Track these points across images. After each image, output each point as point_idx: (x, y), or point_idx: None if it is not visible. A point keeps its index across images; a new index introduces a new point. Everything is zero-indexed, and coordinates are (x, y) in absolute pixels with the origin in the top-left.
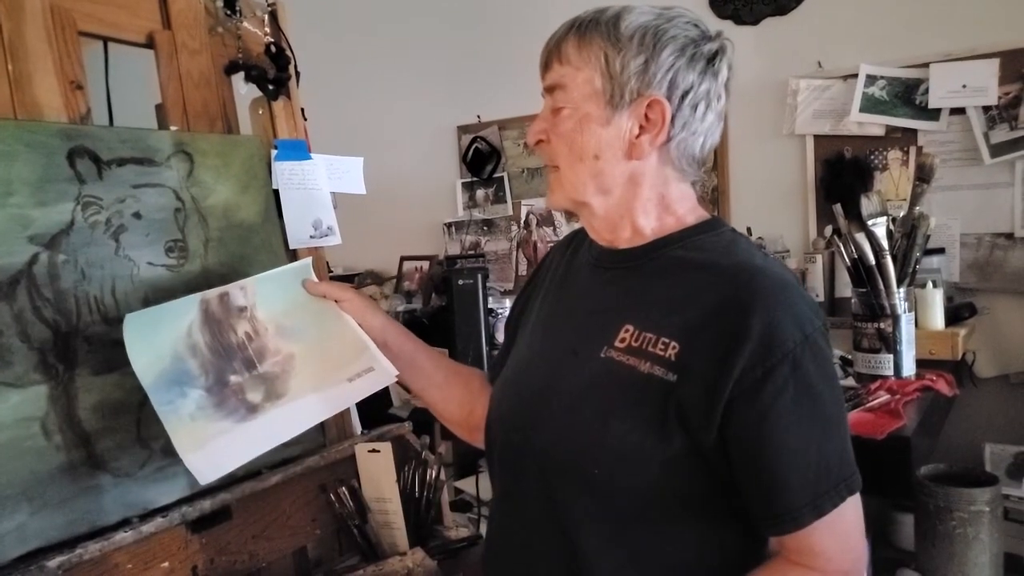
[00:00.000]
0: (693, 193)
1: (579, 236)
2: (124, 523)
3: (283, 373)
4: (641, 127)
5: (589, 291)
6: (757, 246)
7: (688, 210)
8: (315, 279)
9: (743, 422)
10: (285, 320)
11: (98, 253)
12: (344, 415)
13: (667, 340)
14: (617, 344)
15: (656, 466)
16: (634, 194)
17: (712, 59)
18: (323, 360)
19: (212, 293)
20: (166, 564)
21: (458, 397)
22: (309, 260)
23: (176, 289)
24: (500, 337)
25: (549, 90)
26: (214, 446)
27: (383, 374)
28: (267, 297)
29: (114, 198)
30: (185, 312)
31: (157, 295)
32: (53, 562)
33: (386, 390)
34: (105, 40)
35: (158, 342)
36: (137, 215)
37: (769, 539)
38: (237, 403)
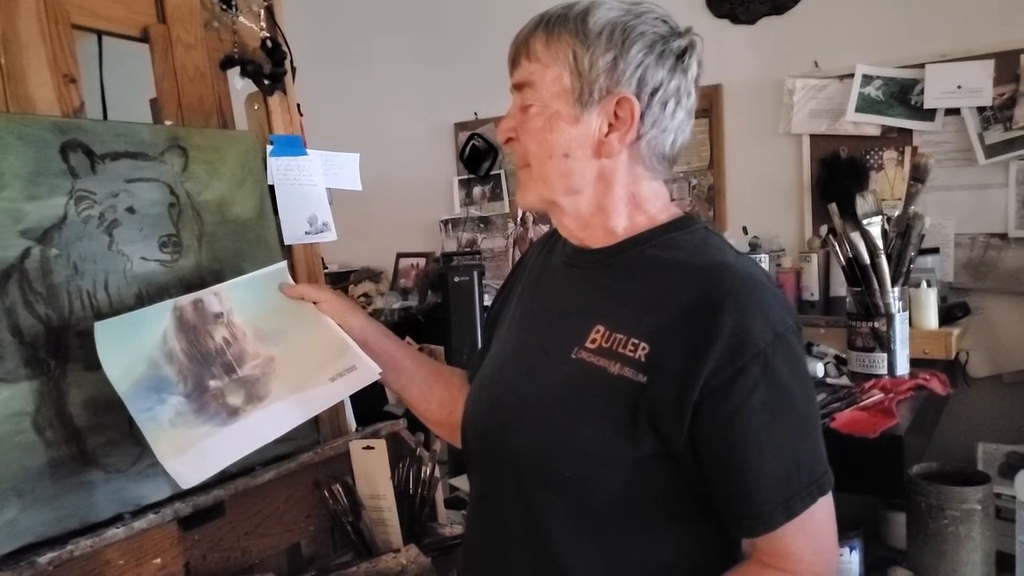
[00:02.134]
0: (666, 191)
1: (556, 235)
2: (116, 519)
3: (264, 376)
4: (610, 125)
5: (562, 290)
6: (730, 244)
7: (660, 208)
8: (291, 282)
9: (713, 422)
10: (263, 324)
11: (91, 248)
12: (339, 412)
13: (637, 341)
14: (588, 345)
15: (628, 468)
16: (604, 193)
17: (681, 56)
18: (304, 361)
19: (185, 300)
20: (158, 560)
21: (439, 396)
22: (284, 263)
23: (170, 284)
24: None
25: (518, 87)
26: (196, 450)
27: (366, 371)
28: (243, 302)
29: (107, 192)
30: (158, 319)
31: (150, 290)
32: (44, 558)
33: (381, 388)
34: (99, 33)
35: (131, 350)
36: (131, 210)
37: (741, 540)
38: (218, 407)
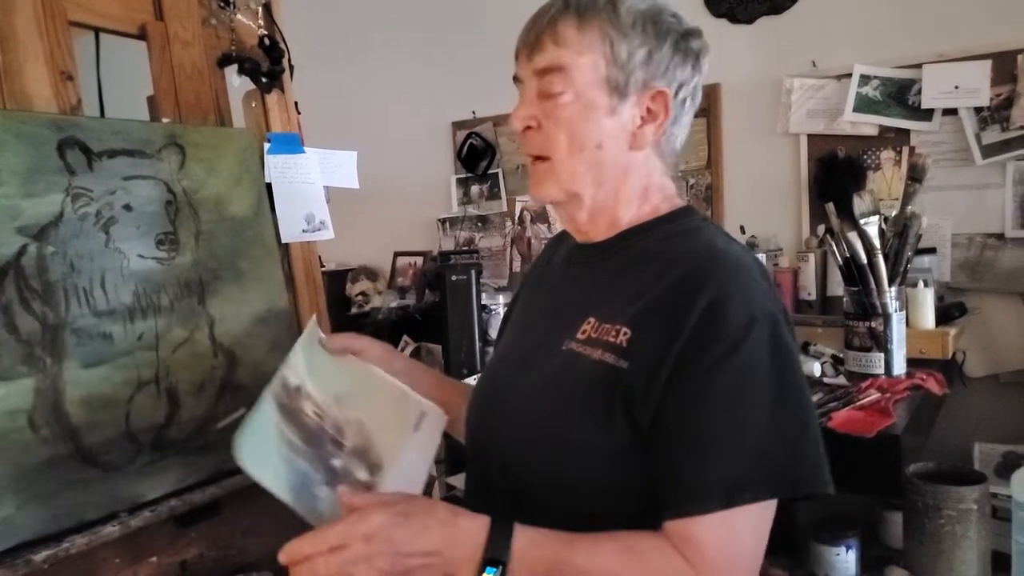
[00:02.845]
0: (674, 187)
1: (562, 236)
2: (112, 517)
3: (366, 442)
4: (642, 118)
5: (561, 288)
6: (726, 233)
7: (663, 199)
8: (323, 336)
9: (676, 398)
10: (332, 387)
11: (88, 245)
12: None
13: (619, 327)
14: (578, 336)
15: (608, 459)
16: (622, 185)
17: (698, 55)
18: (385, 418)
19: (275, 386)
20: (154, 559)
21: None
22: (314, 318)
23: (167, 282)
24: (493, 334)
25: (541, 73)
26: None
27: (434, 415)
28: (308, 369)
29: (104, 190)
30: (269, 414)
31: (147, 287)
32: (39, 556)
33: None
34: (96, 30)
35: (267, 454)
36: (127, 207)
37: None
38: (355, 487)
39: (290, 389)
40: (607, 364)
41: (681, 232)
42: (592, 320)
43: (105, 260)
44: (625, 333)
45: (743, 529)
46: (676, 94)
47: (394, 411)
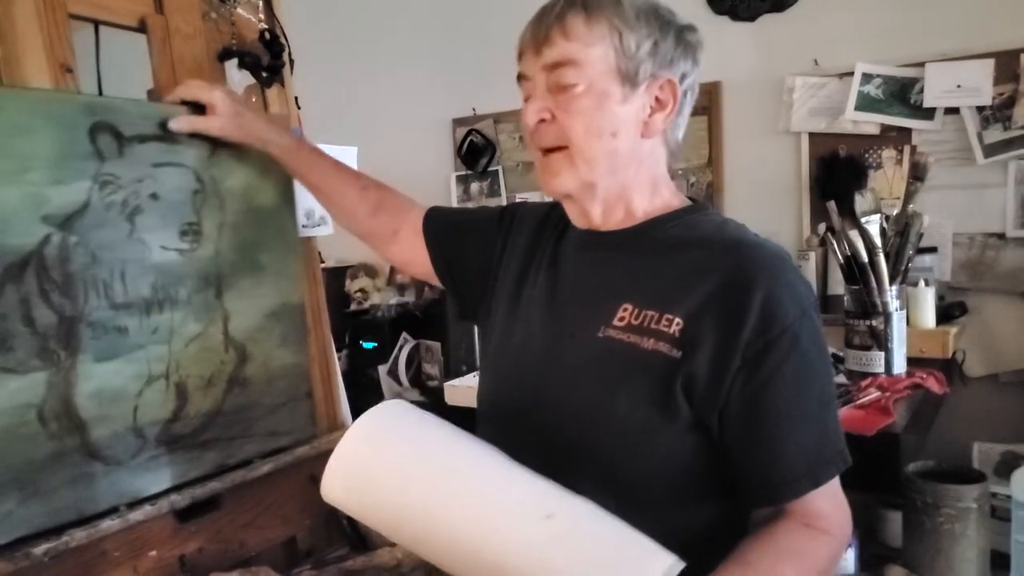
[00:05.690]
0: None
1: (553, 218)
2: (112, 511)
3: None
4: (651, 107)
5: (582, 273)
6: (747, 227)
7: (672, 194)
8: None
9: (746, 393)
10: None
11: (111, 235)
12: (334, 405)
13: (671, 317)
14: (616, 323)
15: (662, 441)
16: (634, 173)
17: (696, 49)
18: None
19: None
20: (154, 552)
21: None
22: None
23: (186, 274)
24: None
25: (551, 68)
26: None
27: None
28: None
29: (132, 177)
30: None
31: (166, 280)
32: (39, 549)
33: (376, 382)
34: (96, 23)
35: None
36: (154, 196)
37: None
38: None
39: None
40: (660, 353)
41: (709, 223)
42: (628, 307)
43: (127, 251)
44: (678, 324)
45: (839, 488)
46: (682, 83)
47: None
